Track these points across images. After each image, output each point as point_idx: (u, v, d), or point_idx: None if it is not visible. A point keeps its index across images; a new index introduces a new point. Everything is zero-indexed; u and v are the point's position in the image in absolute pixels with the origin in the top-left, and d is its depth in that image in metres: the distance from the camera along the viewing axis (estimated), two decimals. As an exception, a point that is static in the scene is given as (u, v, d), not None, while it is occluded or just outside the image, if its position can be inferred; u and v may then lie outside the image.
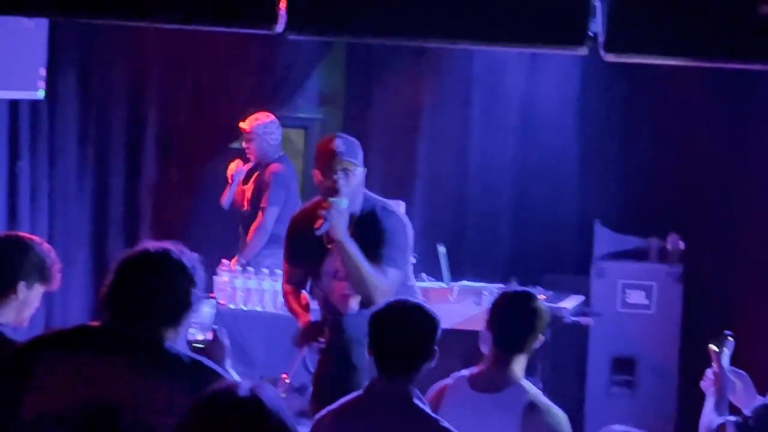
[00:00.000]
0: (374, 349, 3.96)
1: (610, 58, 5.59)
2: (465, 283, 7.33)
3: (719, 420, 4.04)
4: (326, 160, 5.30)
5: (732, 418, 4.02)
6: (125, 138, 8.46)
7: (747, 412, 4.02)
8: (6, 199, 7.76)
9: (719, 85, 7.87)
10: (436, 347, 3.94)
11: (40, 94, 7.63)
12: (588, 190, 8.36)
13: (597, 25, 5.49)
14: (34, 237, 4.25)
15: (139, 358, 3.20)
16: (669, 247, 7.80)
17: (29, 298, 4.12)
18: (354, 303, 5.33)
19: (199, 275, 3.34)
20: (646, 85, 8.14)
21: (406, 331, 3.92)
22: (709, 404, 4.13)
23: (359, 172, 5.38)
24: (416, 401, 3.91)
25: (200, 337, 6.22)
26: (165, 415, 3.10)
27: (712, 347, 4.02)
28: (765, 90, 7.79)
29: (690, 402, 6.13)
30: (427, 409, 3.94)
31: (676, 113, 8.17)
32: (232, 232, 8.10)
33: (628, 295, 7.70)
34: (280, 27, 4.87)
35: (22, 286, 4.08)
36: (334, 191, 5.23)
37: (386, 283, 5.23)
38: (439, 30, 5.77)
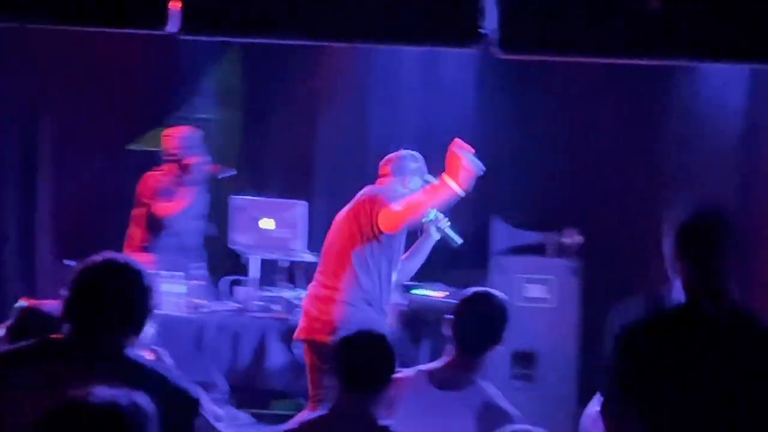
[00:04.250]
0: (340, 371, 4.02)
1: (504, 55, 5.66)
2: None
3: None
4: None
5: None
6: (17, 145, 8.32)
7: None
8: None
9: (613, 81, 7.98)
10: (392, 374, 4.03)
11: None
12: (485, 186, 8.39)
13: (491, 24, 5.55)
14: None
15: (101, 367, 3.23)
16: (566, 241, 7.88)
17: None
18: None
19: (156, 282, 3.38)
20: (541, 82, 8.21)
21: (371, 359, 4.01)
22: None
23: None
24: (380, 421, 3.96)
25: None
26: None
27: None
28: (657, 85, 7.93)
29: (589, 393, 6.17)
30: (393, 427, 3.98)
31: (571, 109, 8.26)
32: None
33: (527, 290, 7.77)
34: (172, 27, 4.85)
35: None
36: None
37: None
38: (334, 29, 5.79)
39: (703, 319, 3.60)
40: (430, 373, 4.42)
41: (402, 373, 4.43)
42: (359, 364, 4.00)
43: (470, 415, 4.26)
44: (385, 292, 6.25)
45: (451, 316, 4.46)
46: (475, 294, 4.60)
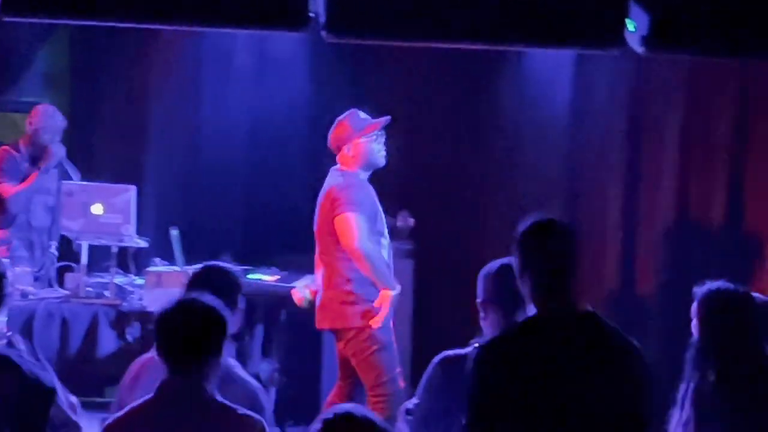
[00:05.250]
0: (162, 349, 3.91)
1: (331, 39, 5.67)
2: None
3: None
4: None
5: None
6: None
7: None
8: None
9: (447, 64, 8.07)
10: (223, 342, 3.92)
11: None
12: (319, 170, 8.41)
13: (318, 7, 5.56)
14: None
15: None
16: (399, 224, 7.95)
17: None
18: None
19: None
20: (373, 65, 8.25)
21: (191, 329, 3.88)
22: None
23: None
24: (212, 395, 3.88)
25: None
26: None
27: None
28: (489, 69, 8.04)
29: (422, 372, 6.26)
30: (226, 402, 3.89)
31: (403, 93, 8.31)
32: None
33: (358, 271, 7.78)
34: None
35: None
36: None
37: None
38: (163, 12, 5.72)
39: (552, 330, 3.63)
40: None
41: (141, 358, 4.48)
42: (179, 338, 3.89)
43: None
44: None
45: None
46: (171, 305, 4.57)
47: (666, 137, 7.79)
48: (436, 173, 8.24)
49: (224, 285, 4.53)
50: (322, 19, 5.56)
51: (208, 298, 3.99)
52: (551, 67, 7.95)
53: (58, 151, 7.57)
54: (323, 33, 5.62)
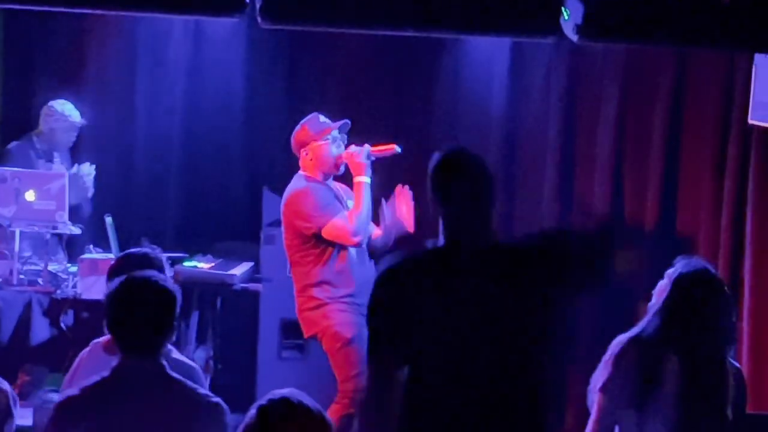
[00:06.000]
0: (117, 329, 3.88)
1: (267, 25, 5.65)
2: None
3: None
4: None
5: None
6: None
7: None
8: None
9: (382, 53, 8.08)
10: (175, 322, 3.91)
11: None
12: (255, 157, 8.40)
13: (254, -7, 5.53)
14: None
15: None
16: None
17: None
18: None
19: None
20: (310, 52, 8.23)
21: (148, 306, 3.86)
22: None
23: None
24: (170, 372, 3.87)
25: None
26: None
27: None
28: (428, 56, 8.05)
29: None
30: (183, 379, 3.90)
31: (338, 81, 8.31)
32: None
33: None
34: None
35: None
36: None
37: None
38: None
39: (462, 255, 3.68)
40: (104, 344, 4.43)
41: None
42: (136, 317, 3.86)
43: None
44: None
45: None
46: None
47: (600, 127, 7.84)
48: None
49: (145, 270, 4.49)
50: (259, 3, 5.53)
51: (158, 276, 3.97)
52: (486, 53, 7.98)
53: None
54: (259, 19, 5.59)
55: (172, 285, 3.95)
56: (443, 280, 3.66)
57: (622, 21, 5.66)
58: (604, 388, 4.35)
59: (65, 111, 7.75)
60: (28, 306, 7.16)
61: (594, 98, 7.86)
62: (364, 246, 6.50)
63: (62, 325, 7.13)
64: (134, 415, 3.79)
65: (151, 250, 4.73)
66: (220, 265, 7.57)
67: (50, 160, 7.78)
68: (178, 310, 3.92)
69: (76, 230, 7.40)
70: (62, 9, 6.42)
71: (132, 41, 8.27)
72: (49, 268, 7.31)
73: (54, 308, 7.15)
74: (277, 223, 7.86)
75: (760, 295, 7.16)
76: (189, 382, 3.90)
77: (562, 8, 5.70)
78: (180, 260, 7.50)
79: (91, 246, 7.48)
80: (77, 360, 4.55)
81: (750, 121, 7.05)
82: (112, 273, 4.43)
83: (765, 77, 6.91)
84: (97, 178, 7.81)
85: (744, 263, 7.25)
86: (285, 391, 3.20)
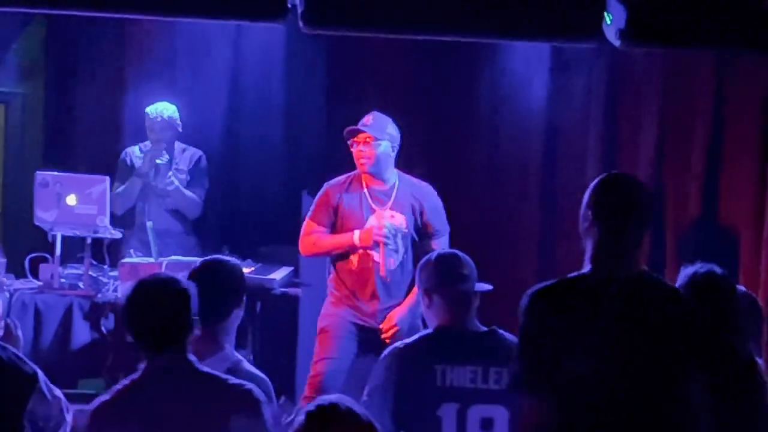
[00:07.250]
0: (140, 331, 3.90)
1: (308, 30, 5.66)
2: (174, 257, 7.27)
3: None
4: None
5: None
6: None
7: None
8: None
9: (424, 57, 8.07)
10: (194, 317, 3.92)
11: None
12: (295, 162, 8.42)
13: (296, -2, 5.54)
14: None
15: None
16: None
17: None
18: None
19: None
20: (348, 56, 8.23)
21: (167, 306, 3.88)
22: None
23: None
24: (199, 367, 3.89)
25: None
26: None
27: None
28: (469, 61, 8.04)
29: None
30: (214, 372, 3.91)
31: (381, 85, 8.30)
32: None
33: (333, 264, 7.77)
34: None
35: None
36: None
37: None
38: (137, 2, 5.70)
39: (609, 284, 3.65)
40: None
41: None
42: (157, 316, 3.88)
43: None
44: None
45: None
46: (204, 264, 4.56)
47: (641, 134, 7.79)
48: (413, 164, 8.22)
49: (229, 280, 4.47)
50: (300, 9, 5.54)
51: (169, 274, 4.05)
52: (525, 57, 7.96)
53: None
54: (301, 23, 5.60)
55: (185, 282, 3.97)
56: (592, 312, 3.62)
57: (666, 25, 5.63)
58: None
59: (148, 111, 7.78)
60: (68, 310, 7.20)
61: (634, 104, 7.82)
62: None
63: (102, 328, 7.16)
64: (169, 413, 3.81)
65: (230, 259, 4.72)
66: (260, 269, 7.57)
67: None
68: (194, 306, 3.93)
69: (117, 234, 7.43)
70: (106, 15, 6.45)
71: (174, 46, 8.31)
72: (90, 272, 7.35)
73: (94, 312, 7.18)
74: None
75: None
76: (220, 374, 3.91)
77: (605, 13, 5.67)
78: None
79: (132, 250, 7.52)
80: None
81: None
82: (194, 278, 4.43)
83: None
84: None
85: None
86: (334, 397, 3.18)
